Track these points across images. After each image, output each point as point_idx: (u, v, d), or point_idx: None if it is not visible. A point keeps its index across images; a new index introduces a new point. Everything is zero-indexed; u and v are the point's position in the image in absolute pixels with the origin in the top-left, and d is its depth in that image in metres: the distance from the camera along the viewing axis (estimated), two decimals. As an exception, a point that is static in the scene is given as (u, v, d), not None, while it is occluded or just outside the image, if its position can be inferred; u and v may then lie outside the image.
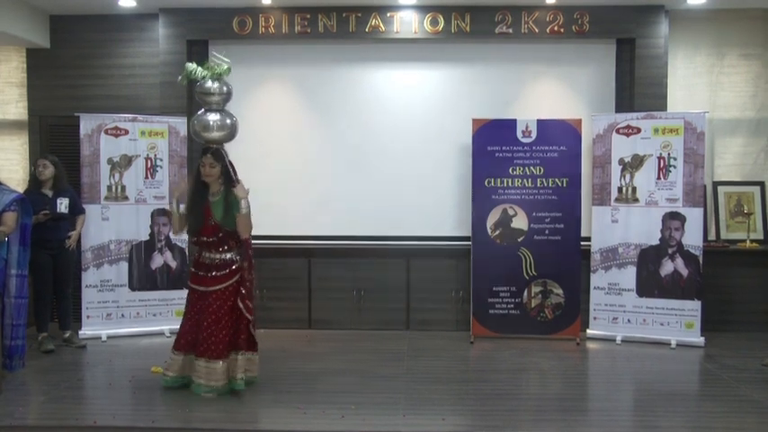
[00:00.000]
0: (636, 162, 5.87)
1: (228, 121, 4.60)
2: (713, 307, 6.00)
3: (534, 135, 5.92)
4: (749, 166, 6.50)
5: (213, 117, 4.56)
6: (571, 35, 6.17)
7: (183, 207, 4.56)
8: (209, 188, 4.48)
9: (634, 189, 5.87)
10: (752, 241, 6.25)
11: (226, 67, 4.60)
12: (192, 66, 4.60)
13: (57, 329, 5.78)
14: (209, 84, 4.56)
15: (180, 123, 6.19)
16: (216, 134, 4.56)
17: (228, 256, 4.48)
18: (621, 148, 5.90)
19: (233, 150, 6.46)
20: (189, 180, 4.65)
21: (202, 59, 4.88)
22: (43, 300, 5.62)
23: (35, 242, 5.46)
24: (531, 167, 5.93)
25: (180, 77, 4.74)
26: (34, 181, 5.63)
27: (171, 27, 6.29)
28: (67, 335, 5.71)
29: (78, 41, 6.46)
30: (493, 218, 5.96)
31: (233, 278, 4.46)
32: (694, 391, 4.79)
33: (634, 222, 5.87)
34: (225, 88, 4.60)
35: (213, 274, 4.45)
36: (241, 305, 4.48)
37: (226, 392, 4.46)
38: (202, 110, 4.63)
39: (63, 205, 5.59)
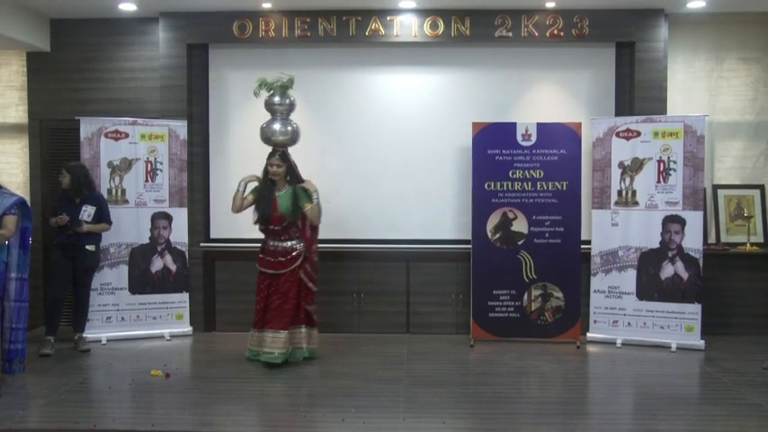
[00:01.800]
0: (636, 165, 5.87)
1: (290, 128, 5.42)
2: (713, 310, 5.99)
3: (534, 138, 5.93)
4: (749, 170, 6.51)
5: (278, 125, 5.40)
6: (571, 39, 6.18)
7: (248, 190, 5.34)
8: (275, 185, 5.26)
9: (634, 192, 5.88)
10: (752, 244, 6.25)
11: (288, 79, 5.40)
12: (264, 80, 5.40)
13: (68, 331, 5.81)
14: (276, 98, 5.39)
15: (180, 127, 6.20)
16: (281, 138, 5.38)
17: (290, 243, 5.28)
18: (621, 151, 5.90)
19: (232, 153, 6.50)
20: (260, 178, 5.37)
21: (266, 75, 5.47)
22: (57, 302, 5.62)
23: (56, 245, 5.51)
24: (531, 171, 5.93)
25: (256, 89, 5.42)
26: (63, 188, 5.69)
27: (171, 31, 6.30)
28: (76, 337, 5.72)
29: (79, 45, 6.47)
30: (493, 221, 5.96)
31: (296, 262, 5.25)
32: (695, 395, 4.79)
33: (634, 226, 5.87)
34: (288, 101, 5.42)
35: (280, 259, 5.24)
36: (308, 281, 5.31)
37: (287, 358, 5.20)
38: (270, 119, 5.43)
39: (86, 214, 5.58)
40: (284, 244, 5.26)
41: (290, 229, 5.25)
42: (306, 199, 5.21)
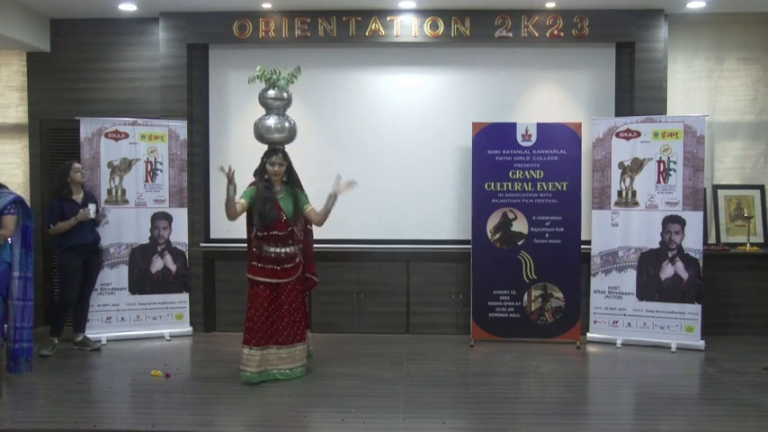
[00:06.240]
0: (636, 166, 5.87)
1: (287, 123, 5.01)
2: (713, 310, 6.00)
3: (534, 139, 5.93)
4: (749, 170, 6.51)
5: (273, 121, 4.97)
6: (571, 39, 6.18)
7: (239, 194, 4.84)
8: (273, 186, 4.88)
9: (634, 193, 5.88)
10: (752, 245, 6.25)
11: (288, 73, 5.00)
12: (263, 69, 4.97)
13: (68, 331, 5.82)
14: (270, 92, 4.98)
15: (180, 127, 6.20)
16: (277, 136, 4.97)
17: (292, 249, 4.91)
18: (621, 151, 5.90)
19: (232, 153, 6.49)
20: (257, 180, 4.94)
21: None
22: (68, 304, 5.62)
23: (70, 247, 5.51)
24: (531, 171, 5.94)
25: (252, 78, 5.03)
26: (64, 186, 5.57)
27: (171, 31, 6.30)
28: (80, 338, 5.72)
29: (79, 45, 6.47)
30: (493, 221, 5.96)
31: (300, 269, 4.97)
32: (695, 395, 4.78)
33: (634, 226, 5.87)
34: (284, 94, 5.00)
35: (286, 266, 4.87)
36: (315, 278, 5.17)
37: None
38: (263, 114, 5.03)
39: (92, 211, 5.59)
40: (287, 249, 4.86)
41: (294, 233, 4.89)
42: (305, 200, 4.96)
